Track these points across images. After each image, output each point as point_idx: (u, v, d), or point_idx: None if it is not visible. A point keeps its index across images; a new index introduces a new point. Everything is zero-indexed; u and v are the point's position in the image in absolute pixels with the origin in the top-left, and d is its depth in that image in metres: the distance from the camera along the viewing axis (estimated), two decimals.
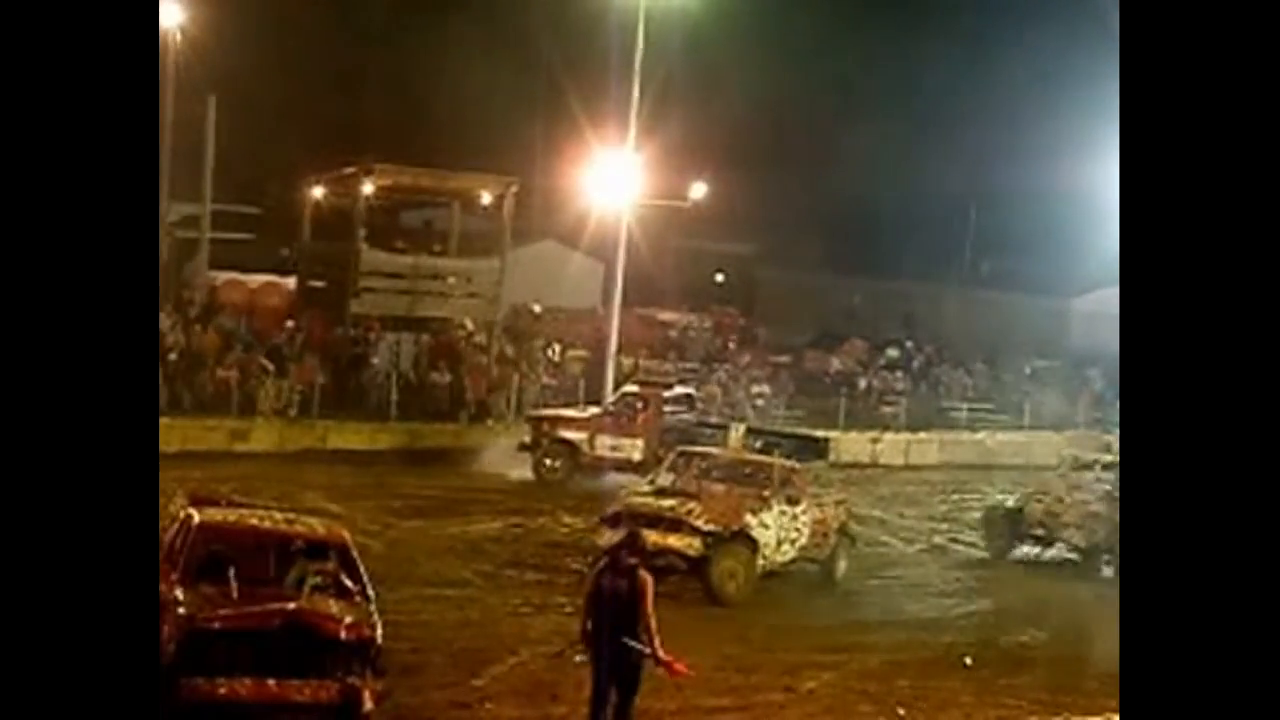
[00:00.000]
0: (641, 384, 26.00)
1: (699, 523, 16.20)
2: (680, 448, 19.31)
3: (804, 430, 24.64)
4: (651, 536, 15.12)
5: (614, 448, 24.32)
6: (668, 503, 16.67)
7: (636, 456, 24.20)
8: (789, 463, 18.26)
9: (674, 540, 15.96)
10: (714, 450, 19.07)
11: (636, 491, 17.66)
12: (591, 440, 24.35)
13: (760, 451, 19.33)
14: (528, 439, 24.65)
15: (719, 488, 17.31)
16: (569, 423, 24.79)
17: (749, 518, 16.56)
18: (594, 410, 25.31)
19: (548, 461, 24.22)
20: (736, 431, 20.53)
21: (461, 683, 12.07)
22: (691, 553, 16.04)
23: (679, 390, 25.99)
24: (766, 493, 17.14)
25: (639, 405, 24.61)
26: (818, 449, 20.64)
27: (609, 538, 15.52)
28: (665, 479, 17.76)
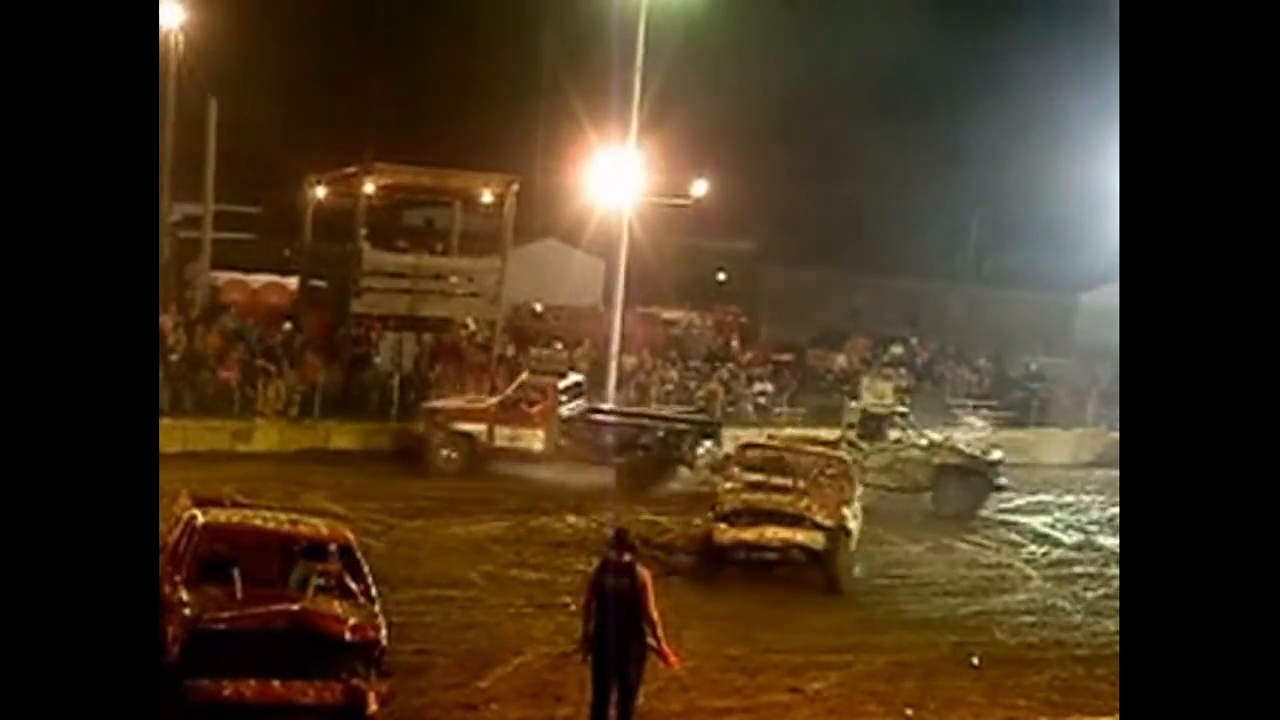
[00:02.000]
0: (535, 372, 25.51)
1: (819, 517, 17.00)
2: (743, 441, 20.08)
3: (699, 415, 25.82)
4: (780, 532, 16.94)
5: (514, 438, 23.97)
6: (786, 498, 17.41)
7: (538, 447, 23.91)
8: (850, 456, 19.45)
9: (801, 535, 16.90)
10: (775, 443, 19.90)
11: (733, 487, 18.06)
12: (490, 431, 23.99)
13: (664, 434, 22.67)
14: (421, 430, 24.26)
15: (812, 482, 18.11)
16: (465, 414, 24.39)
17: (845, 510, 17.40)
18: (490, 400, 24.83)
19: (444, 453, 23.81)
20: (792, 427, 21.24)
21: (466, 684, 12.04)
22: (816, 546, 16.85)
23: (572, 379, 25.52)
24: (846, 484, 18.20)
25: (536, 395, 24.30)
26: (710, 432, 23.31)
27: (732, 535, 16.95)
28: (751, 474, 18.35)
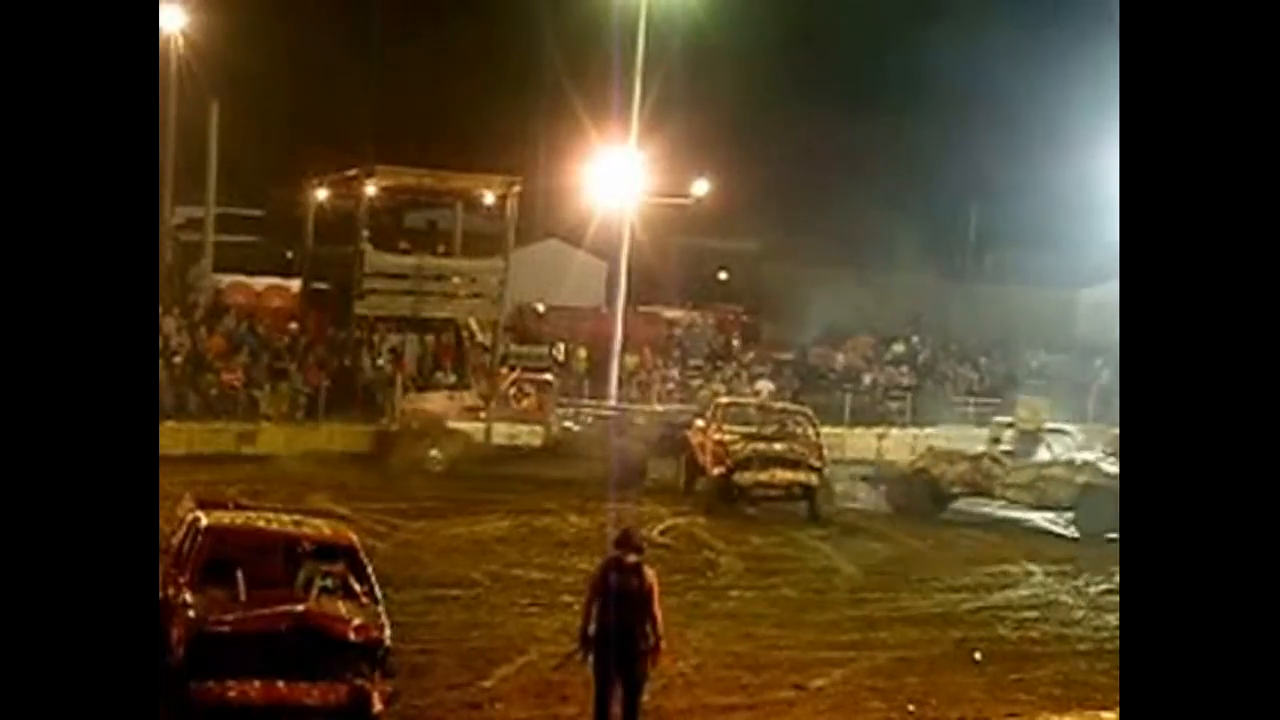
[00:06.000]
0: (523, 369, 25.32)
1: (812, 460, 21.60)
2: (720, 399, 24.23)
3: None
4: (786, 474, 21.50)
5: (512, 435, 23.90)
6: (784, 446, 21.79)
7: (537, 443, 23.84)
8: (807, 410, 23.85)
9: (802, 476, 21.47)
10: (751, 401, 24.71)
11: (737, 440, 21.77)
12: (488, 430, 23.89)
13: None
14: (413, 429, 24.10)
15: (791, 433, 22.40)
16: (458, 412, 24.30)
17: (824, 454, 22.03)
18: (482, 397, 24.69)
19: (433, 453, 23.66)
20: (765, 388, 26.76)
21: (470, 683, 12.05)
22: (812, 483, 21.47)
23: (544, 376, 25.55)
24: (814, 433, 22.41)
25: (531, 390, 24.15)
26: None
27: (750, 477, 21.32)
28: (742, 427, 22.46)
